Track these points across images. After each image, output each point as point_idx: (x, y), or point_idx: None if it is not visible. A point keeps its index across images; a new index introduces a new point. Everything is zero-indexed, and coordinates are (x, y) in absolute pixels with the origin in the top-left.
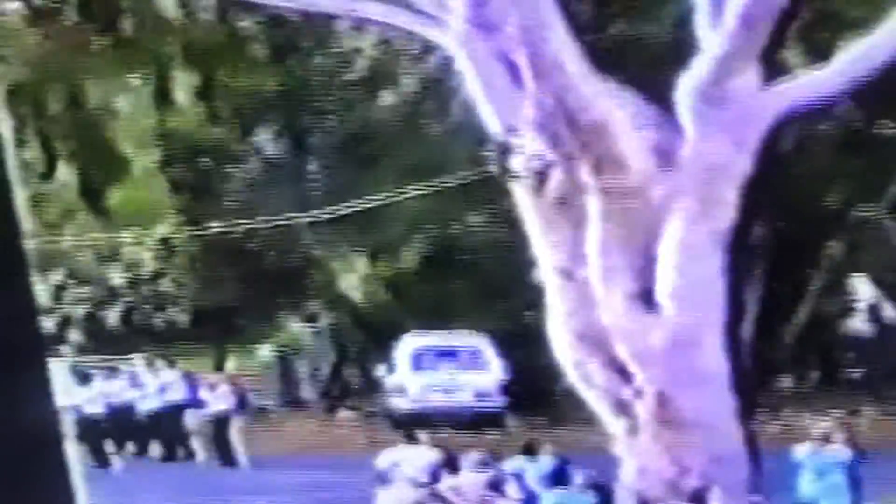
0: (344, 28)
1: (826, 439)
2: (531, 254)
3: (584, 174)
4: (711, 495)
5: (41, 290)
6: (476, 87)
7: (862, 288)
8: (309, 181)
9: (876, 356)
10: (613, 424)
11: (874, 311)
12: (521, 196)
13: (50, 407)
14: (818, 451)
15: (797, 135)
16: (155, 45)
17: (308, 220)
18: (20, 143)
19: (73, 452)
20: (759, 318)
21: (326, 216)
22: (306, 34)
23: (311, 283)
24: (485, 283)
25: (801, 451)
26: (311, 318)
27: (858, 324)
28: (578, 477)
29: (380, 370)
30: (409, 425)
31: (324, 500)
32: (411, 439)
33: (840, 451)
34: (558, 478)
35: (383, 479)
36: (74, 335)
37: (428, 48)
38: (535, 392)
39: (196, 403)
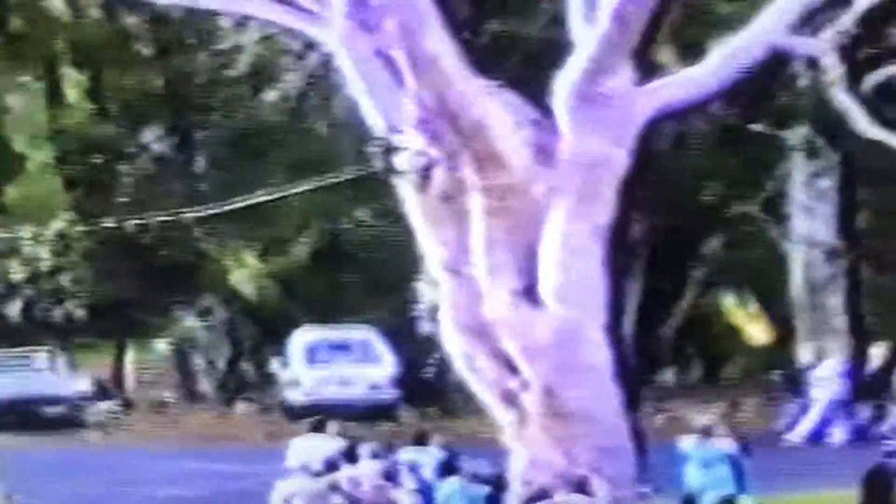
0: (226, 25)
1: (709, 431)
2: (419, 249)
3: (467, 172)
4: (599, 486)
5: None
6: (357, 85)
7: (423, 290)
8: (198, 177)
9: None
10: (502, 416)
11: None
12: (406, 193)
13: None
14: (703, 443)
15: (673, 132)
16: (44, 44)
17: (198, 215)
18: None
19: None
20: (641, 312)
21: (216, 212)
22: (190, 32)
23: (203, 278)
24: (374, 278)
25: (686, 442)
26: (204, 313)
27: None
28: (471, 468)
29: (274, 364)
30: (305, 418)
31: (224, 490)
32: (317, 429)
33: (724, 442)
34: (450, 468)
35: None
36: None
37: (310, 45)
38: (427, 384)
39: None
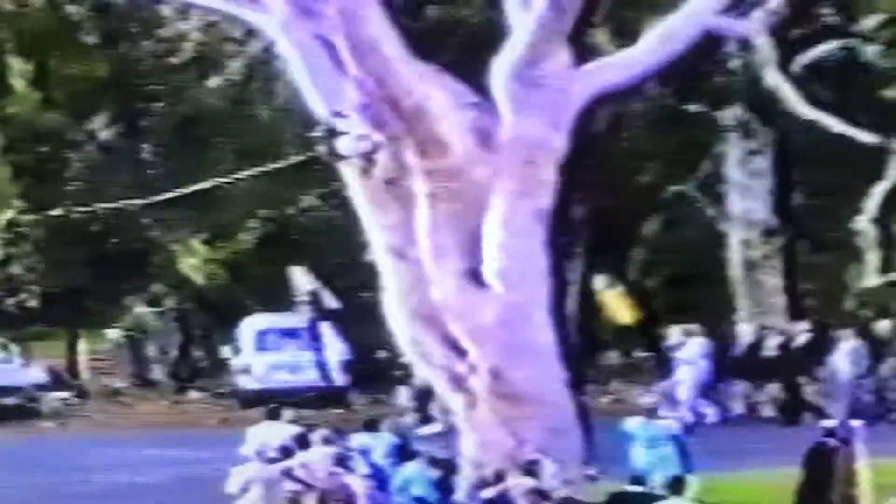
0: (169, 13)
1: (654, 411)
2: (365, 234)
3: (410, 156)
4: (549, 467)
5: None
6: (299, 71)
7: (301, 278)
8: (145, 165)
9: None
10: (452, 399)
11: (315, 300)
12: (351, 177)
13: None
14: (648, 424)
15: (610, 114)
16: None
17: (146, 203)
18: None
19: None
20: (583, 293)
21: (163, 199)
22: (134, 20)
23: (153, 265)
24: (322, 263)
25: (631, 423)
26: (154, 301)
27: None
28: (422, 452)
29: (225, 351)
30: (257, 404)
31: (180, 476)
32: (273, 416)
33: (668, 422)
34: (402, 453)
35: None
36: None
37: (251, 32)
38: (376, 369)
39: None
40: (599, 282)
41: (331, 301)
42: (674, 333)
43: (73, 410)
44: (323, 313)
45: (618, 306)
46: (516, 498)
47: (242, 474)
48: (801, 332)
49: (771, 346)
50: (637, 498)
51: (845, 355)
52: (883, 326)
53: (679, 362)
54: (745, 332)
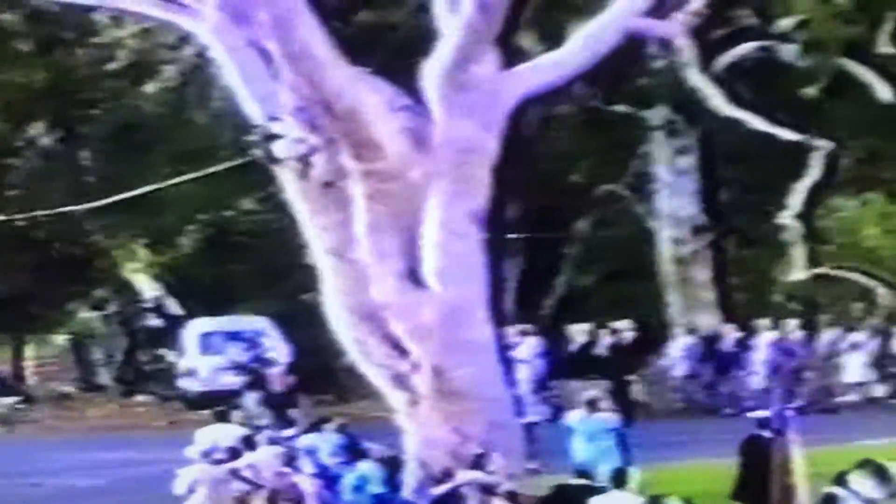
0: (104, 20)
1: (594, 405)
2: (304, 236)
3: (345, 158)
4: (491, 462)
5: None
6: (233, 76)
7: (143, 286)
8: (85, 171)
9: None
10: (395, 398)
11: (159, 307)
12: (288, 180)
13: None
14: (588, 417)
15: (539, 116)
16: None
17: (88, 208)
18: None
19: None
20: (520, 290)
21: (102, 204)
22: (68, 27)
23: (96, 270)
24: (263, 266)
25: (572, 417)
26: (99, 305)
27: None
28: (370, 450)
29: (170, 354)
30: (203, 406)
31: (128, 478)
32: (221, 418)
33: (608, 416)
34: (349, 452)
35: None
36: None
37: (185, 38)
38: (320, 370)
39: None
40: None
41: (175, 308)
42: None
43: (20, 415)
44: (168, 319)
45: None
46: (467, 493)
47: (190, 475)
48: (629, 331)
49: (603, 345)
50: (580, 490)
51: (679, 353)
52: (709, 324)
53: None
54: (577, 331)
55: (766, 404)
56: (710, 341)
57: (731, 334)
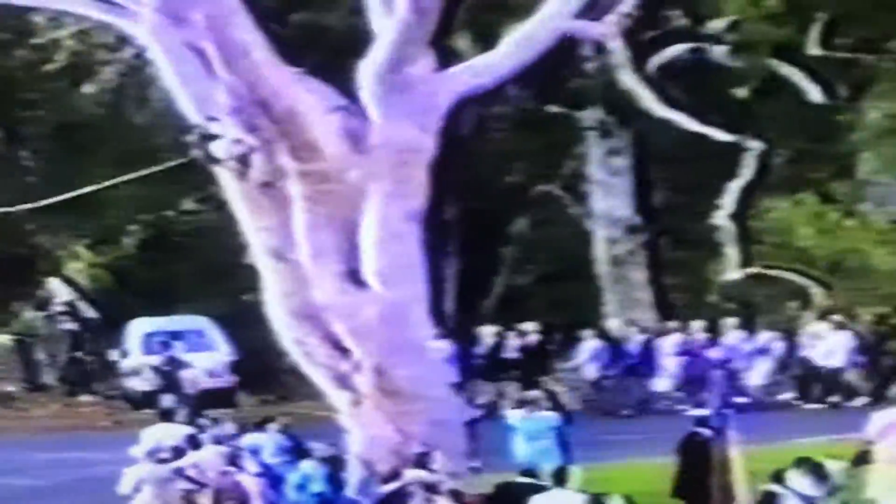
0: (41, 20)
1: (535, 404)
2: (245, 236)
3: (284, 158)
4: (434, 461)
5: None
6: (171, 77)
7: (58, 289)
8: (26, 171)
9: None
10: (338, 398)
11: (73, 310)
12: (227, 181)
13: None
14: (529, 416)
15: (475, 117)
16: None
17: (30, 209)
18: None
19: None
20: (460, 291)
21: (46, 205)
22: (5, 28)
23: (39, 271)
24: (204, 266)
25: (513, 416)
26: (41, 305)
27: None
28: (313, 450)
29: (114, 354)
30: (147, 406)
31: (74, 478)
32: (166, 417)
33: (548, 415)
34: (292, 452)
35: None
36: None
37: (123, 39)
38: (263, 370)
39: None
40: None
41: (88, 311)
42: None
43: None
44: (82, 322)
45: None
46: (411, 492)
47: (135, 475)
48: (535, 334)
49: (511, 346)
50: (522, 488)
51: (587, 354)
52: (615, 326)
53: None
54: (486, 333)
55: (672, 406)
56: (618, 344)
57: (636, 337)
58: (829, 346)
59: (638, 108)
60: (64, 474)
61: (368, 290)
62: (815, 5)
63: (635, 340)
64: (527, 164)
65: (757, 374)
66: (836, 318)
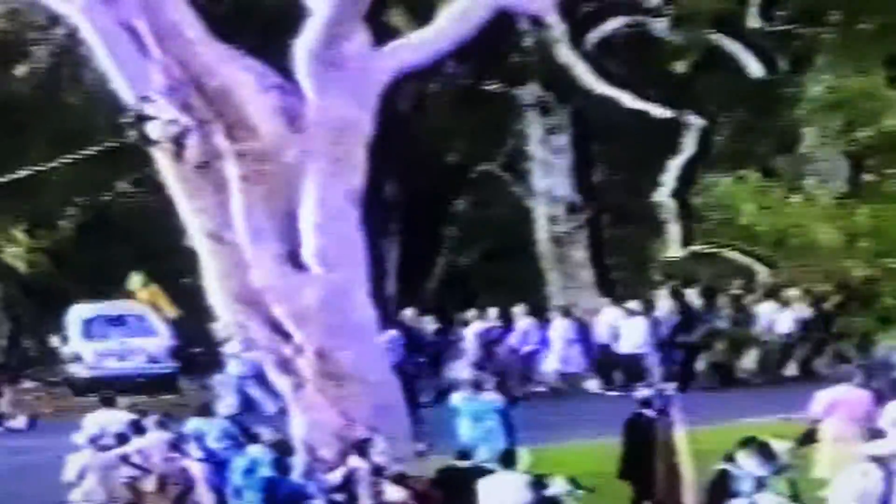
0: None
1: (479, 385)
2: (182, 218)
3: (220, 139)
4: (378, 444)
5: None
6: (104, 56)
7: None
8: None
9: None
10: (280, 381)
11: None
12: (163, 162)
13: None
14: (473, 398)
15: (413, 94)
16: None
17: None
18: None
19: None
20: (401, 271)
21: None
22: None
23: None
24: (142, 249)
25: (457, 398)
26: None
27: None
28: (259, 434)
29: (54, 339)
30: (89, 391)
31: (15, 464)
32: (108, 403)
33: (492, 397)
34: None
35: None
36: None
37: (55, 19)
38: (205, 354)
39: None
40: (134, 281)
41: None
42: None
43: None
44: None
45: (157, 302)
46: (359, 478)
47: (78, 462)
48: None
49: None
50: (467, 472)
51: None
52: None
53: (228, 356)
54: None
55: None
56: (415, 332)
57: (430, 326)
58: (771, 320)
59: (577, 84)
60: (5, 461)
61: (308, 272)
62: None
63: (430, 329)
64: (467, 143)
65: (551, 361)
66: (784, 294)
